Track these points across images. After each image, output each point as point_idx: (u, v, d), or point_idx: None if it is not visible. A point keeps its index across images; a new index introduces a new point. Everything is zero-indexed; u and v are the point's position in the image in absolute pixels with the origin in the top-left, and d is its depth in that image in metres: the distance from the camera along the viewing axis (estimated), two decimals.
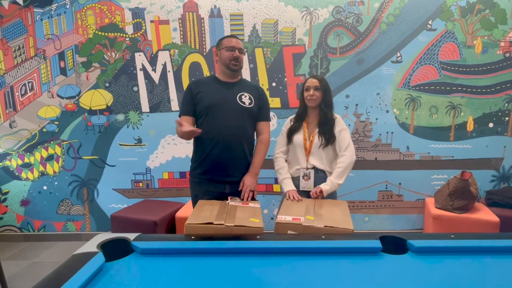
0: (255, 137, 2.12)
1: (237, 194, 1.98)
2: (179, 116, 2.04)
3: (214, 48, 2.04)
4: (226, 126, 1.95)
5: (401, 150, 3.23)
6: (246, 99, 2.00)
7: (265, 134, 2.08)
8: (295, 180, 2.17)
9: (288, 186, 2.11)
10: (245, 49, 2.04)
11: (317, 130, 2.14)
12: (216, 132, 1.96)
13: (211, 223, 1.54)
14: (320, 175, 2.13)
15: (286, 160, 2.26)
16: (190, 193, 2.14)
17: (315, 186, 2.11)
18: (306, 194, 2.14)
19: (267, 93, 3.12)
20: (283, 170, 2.18)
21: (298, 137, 2.16)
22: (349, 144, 2.12)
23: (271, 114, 3.16)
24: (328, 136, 2.10)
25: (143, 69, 3.20)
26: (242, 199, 1.92)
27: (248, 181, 1.97)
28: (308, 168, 2.14)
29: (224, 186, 2.00)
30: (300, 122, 2.20)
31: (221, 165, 1.98)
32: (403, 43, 3.08)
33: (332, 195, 2.12)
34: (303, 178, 2.15)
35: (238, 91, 2.02)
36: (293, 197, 1.99)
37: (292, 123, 2.24)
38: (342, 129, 2.13)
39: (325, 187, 2.03)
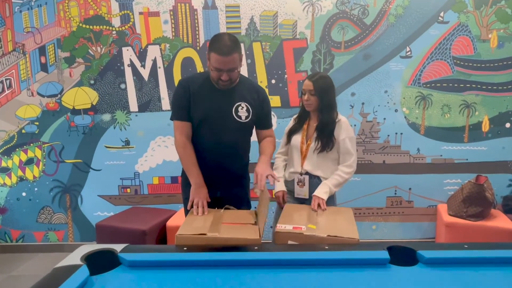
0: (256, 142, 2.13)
1: (231, 201, 1.97)
2: (171, 120, 2.00)
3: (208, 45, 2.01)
4: (219, 143, 1.95)
5: (411, 153, 3.24)
6: (243, 112, 1.96)
7: (271, 137, 2.13)
8: (290, 184, 2.23)
9: (278, 187, 2.21)
10: (239, 66, 1.90)
11: (315, 134, 2.15)
12: (208, 148, 1.97)
13: (204, 234, 1.54)
14: (315, 181, 2.15)
15: (286, 160, 2.33)
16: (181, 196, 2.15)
17: (310, 193, 2.14)
18: (300, 201, 2.19)
19: (266, 90, 3.12)
20: (277, 171, 2.29)
21: (296, 139, 2.21)
22: (355, 157, 2.15)
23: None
24: (325, 140, 2.11)
25: (131, 65, 3.20)
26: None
27: (260, 169, 1.87)
28: (302, 174, 2.17)
29: (216, 191, 1.99)
30: (301, 123, 2.23)
31: (213, 180, 1.98)
32: (412, 37, 3.10)
33: (332, 203, 2.14)
34: (297, 184, 2.18)
35: (236, 101, 1.95)
36: (279, 201, 2.19)
37: (294, 122, 2.28)
38: (346, 138, 2.13)
39: (324, 196, 2.04)
